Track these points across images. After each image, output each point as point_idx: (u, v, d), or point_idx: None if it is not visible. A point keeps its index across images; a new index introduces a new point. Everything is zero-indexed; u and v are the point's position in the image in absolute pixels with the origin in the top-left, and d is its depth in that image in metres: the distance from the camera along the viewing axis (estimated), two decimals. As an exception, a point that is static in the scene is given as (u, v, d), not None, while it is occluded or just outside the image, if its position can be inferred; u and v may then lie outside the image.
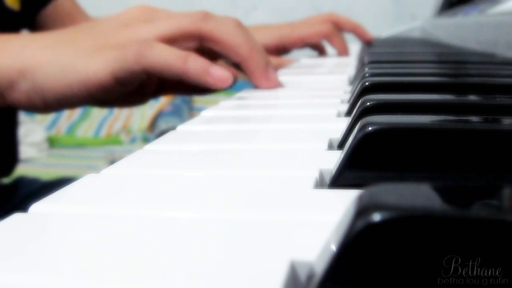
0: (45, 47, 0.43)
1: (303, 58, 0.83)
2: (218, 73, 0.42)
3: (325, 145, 0.25)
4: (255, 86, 0.47)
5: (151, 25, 0.44)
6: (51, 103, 0.44)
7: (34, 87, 0.42)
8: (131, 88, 0.45)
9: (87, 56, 0.42)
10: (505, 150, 0.19)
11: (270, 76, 0.46)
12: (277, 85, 0.47)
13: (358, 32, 0.90)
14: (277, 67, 0.75)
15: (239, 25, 0.45)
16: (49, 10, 0.74)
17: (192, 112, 2.23)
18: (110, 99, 0.46)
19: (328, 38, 0.83)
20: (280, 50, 0.83)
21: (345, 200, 0.17)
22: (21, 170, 0.91)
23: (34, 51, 0.43)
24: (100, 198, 0.19)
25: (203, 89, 0.51)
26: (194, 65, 0.42)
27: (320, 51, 0.89)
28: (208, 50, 0.46)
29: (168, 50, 0.42)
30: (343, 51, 0.83)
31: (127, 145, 2.08)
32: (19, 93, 0.43)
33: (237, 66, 0.47)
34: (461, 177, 0.19)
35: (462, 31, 0.78)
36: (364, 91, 0.33)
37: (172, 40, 0.43)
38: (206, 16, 0.44)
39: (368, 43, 0.92)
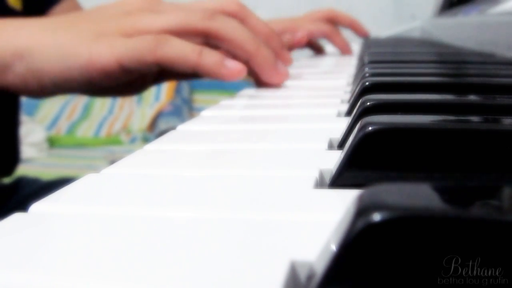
0: (43, 30, 0.43)
1: (303, 58, 0.83)
2: (233, 65, 0.42)
3: (325, 145, 0.25)
4: (265, 83, 0.47)
5: (158, 16, 0.44)
6: (47, 87, 0.43)
7: (31, 70, 0.42)
8: (135, 76, 0.45)
9: (90, 40, 0.41)
10: (505, 150, 0.19)
11: (279, 70, 0.46)
12: (287, 78, 0.47)
13: (355, 27, 0.91)
14: (290, 48, 0.74)
15: (240, 23, 0.45)
16: (53, 12, 0.74)
17: (192, 112, 2.23)
18: (110, 87, 0.45)
19: (328, 37, 0.83)
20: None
21: (345, 200, 0.17)
22: (21, 170, 0.91)
23: (32, 33, 0.42)
24: (100, 198, 0.19)
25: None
26: (209, 58, 0.42)
27: (318, 50, 0.90)
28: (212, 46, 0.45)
29: (183, 44, 0.42)
30: (345, 50, 0.84)
31: (127, 145, 2.07)
32: (14, 75, 0.42)
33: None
34: (461, 177, 0.19)
35: (462, 31, 0.78)
36: (364, 91, 0.33)
37: (177, 34, 0.43)
38: (213, 14, 0.44)
39: (365, 37, 0.93)
